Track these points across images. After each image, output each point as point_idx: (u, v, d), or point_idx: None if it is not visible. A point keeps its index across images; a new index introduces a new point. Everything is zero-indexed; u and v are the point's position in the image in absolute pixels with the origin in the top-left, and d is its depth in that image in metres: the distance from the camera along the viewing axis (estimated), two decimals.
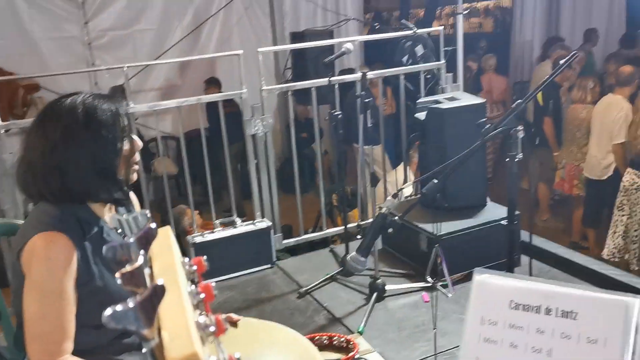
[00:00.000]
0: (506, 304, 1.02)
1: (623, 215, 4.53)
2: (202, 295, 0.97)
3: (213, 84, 6.51)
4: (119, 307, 0.69)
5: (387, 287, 2.95)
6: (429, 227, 3.06)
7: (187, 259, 1.10)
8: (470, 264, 2.90)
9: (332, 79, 3.23)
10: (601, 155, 4.91)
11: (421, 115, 3.31)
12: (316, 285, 3.11)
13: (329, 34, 5.64)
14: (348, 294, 3.04)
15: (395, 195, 2.12)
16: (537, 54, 8.28)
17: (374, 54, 7.54)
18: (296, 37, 6.00)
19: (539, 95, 5.93)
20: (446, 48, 3.69)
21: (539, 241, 3.32)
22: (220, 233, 3.39)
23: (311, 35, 5.46)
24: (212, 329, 0.85)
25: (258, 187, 3.56)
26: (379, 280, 2.94)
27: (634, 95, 4.75)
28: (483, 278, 1.07)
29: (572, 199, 5.60)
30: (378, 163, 5.96)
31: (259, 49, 3.33)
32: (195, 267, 1.07)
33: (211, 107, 3.96)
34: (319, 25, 7.33)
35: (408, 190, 3.14)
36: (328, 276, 3.15)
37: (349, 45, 3.05)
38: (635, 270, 4.55)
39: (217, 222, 3.43)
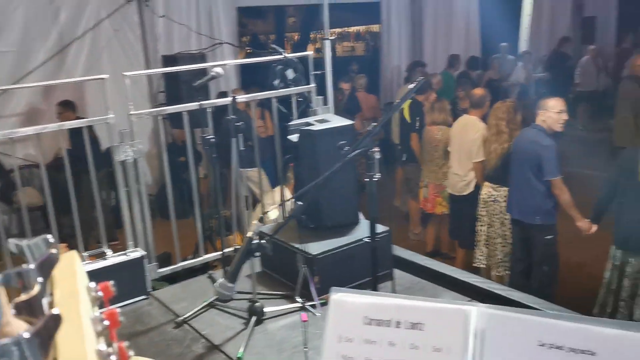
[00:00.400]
0: (360, 320, 1.06)
1: (483, 226, 4.88)
2: (107, 323, 0.94)
3: (68, 107, 6.13)
4: (9, 339, 0.65)
5: (266, 310, 2.95)
6: (305, 247, 3.11)
7: (93, 284, 1.07)
8: (346, 281, 3.02)
9: (203, 102, 3.21)
10: (463, 173, 5.21)
11: (293, 137, 3.38)
12: (194, 313, 3.04)
13: (202, 58, 5.59)
14: (227, 319, 3.00)
15: (261, 219, 2.14)
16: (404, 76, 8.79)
17: (250, 78, 7.60)
18: (168, 60, 5.89)
19: (407, 113, 6.29)
20: (315, 72, 3.81)
21: (408, 254, 3.50)
22: (88, 266, 3.21)
23: (183, 59, 5.39)
24: (113, 358, 0.83)
25: (130, 216, 3.43)
26: (258, 304, 2.94)
27: (486, 114, 5.15)
28: (339, 297, 1.10)
29: (439, 215, 5.90)
30: (257, 185, 5.98)
31: (125, 73, 3.23)
32: (101, 293, 1.04)
33: (73, 133, 3.76)
34: (194, 49, 7.26)
35: (274, 213, 3.18)
36: (206, 303, 3.10)
37: (219, 70, 3.05)
38: (499, 275, 4.92)
39: (85, 254, 3.25)
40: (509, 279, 4.80)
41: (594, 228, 4.25)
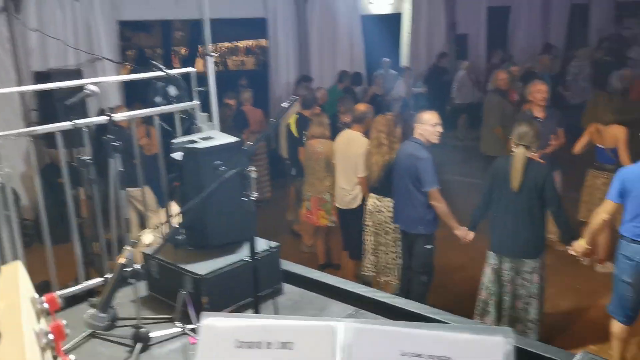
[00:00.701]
0: (232, 344, 1.06)
1: (369, 235, 5.03)
2: (51, 336, 0.89)
3: None
4: None
5: (152, 335, 2.84)
6: (192, 267, 3.05)
7: (37, 296, 1.00)
8: (236, 299, 2.98)
9: (77, 121, 3.05)
10: (349, 187, 5.31)
11: (177, 156, 3.30)
12: (73, 345, 2.86)
13: (78, 74, 5.33)
14: (110, 348, 2.86)
15: (134, 244, 2.06)
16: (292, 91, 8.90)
17: (134, 94, 7.36)
18: (40, 76, 5.54)
19: (293, 127, 6.38)
20: (199, 88, 3.75)
21: (297, 268, 3.52)
22: None
23: (57, 75, 5.10)
24: None
25: None
26: (143, 329, 2.82)
27: (369, 129, 5.31)
28: (209, 322, 1.09)
29: (324, 227, 5.95)
30: (148, 205, 5.78)
31: None
32: (47, 305, 0.99)
33: None
34: (72, 64, 6.91)
35: (149, 238, 3.10)
36: (87, 333, 2.93)
37: (93, 87, 2.92)
38: (385, 282, 5.09)
39: None
40: (397, 286, 4.98)
41: (471, 235, 4.51)
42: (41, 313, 0.99)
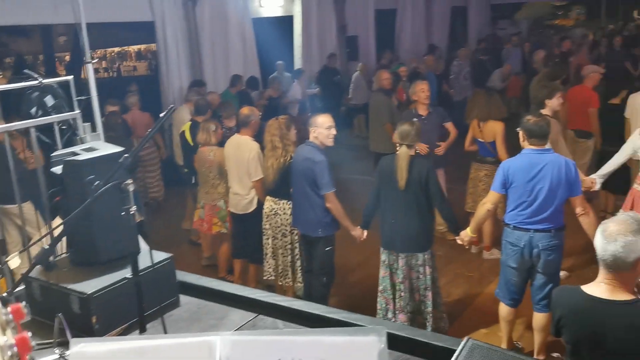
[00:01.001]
0: None
1: (268, 239, 5.00)
2: (16, 349, 0.89)
3: None
4: None
5: None
6: (78, 287, 2.89)
7: (1, 306, 0.94)
8: (129, 316, 2.86)
9: None
10: (244, 192, 5.24)
11: (57, 169, 3.12)
12: None
13: None
14: None
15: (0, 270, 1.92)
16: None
17: (11, 105, 6.86)
18: None
19: (188, 135, 6.24)
20: (79, 97, 3.56)
21: (194, 278, 3.43)
22: None
23: None
24: None
25: None
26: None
27: (260, 132, 5.28)
28: (79, 348, 1.03)
29: (221, 235, 5.84)
30: (29, 222, 5.40)
31: None
32: (11, 316, 0.90)
33: None
34: None
35: (16, 262, 2.89)
36: None
37: None
38: (285, 284, 5.08)
39: None
40: (299, 288, 5.00)
41: (365, 234, 4.61)
42: (6, 325, 0.92)
